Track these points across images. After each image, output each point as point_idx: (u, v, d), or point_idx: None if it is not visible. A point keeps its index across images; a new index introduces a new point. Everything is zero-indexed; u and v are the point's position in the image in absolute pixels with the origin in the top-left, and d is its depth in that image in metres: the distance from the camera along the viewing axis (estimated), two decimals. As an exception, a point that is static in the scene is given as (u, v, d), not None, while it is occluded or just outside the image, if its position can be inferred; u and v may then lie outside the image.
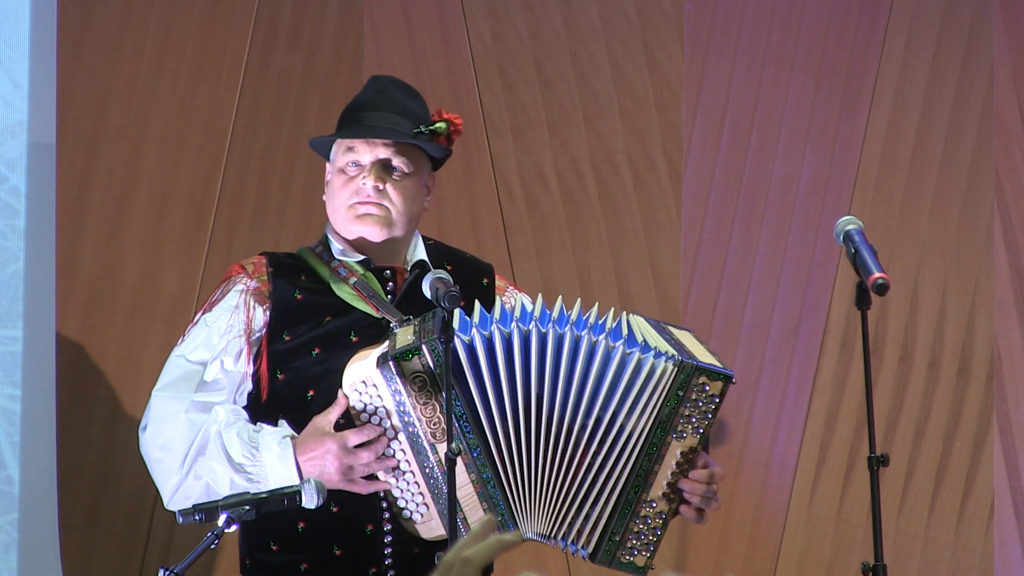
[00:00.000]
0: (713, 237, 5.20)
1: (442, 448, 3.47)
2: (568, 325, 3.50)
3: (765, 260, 5.20)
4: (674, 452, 3.51)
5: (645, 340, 3.53)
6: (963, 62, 5.18)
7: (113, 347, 4.85)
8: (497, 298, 3.81)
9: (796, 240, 5.19)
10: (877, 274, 3.54)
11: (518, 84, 5.23)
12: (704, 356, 3.56)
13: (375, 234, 3.71)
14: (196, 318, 3.76)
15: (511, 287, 3.91)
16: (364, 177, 3.69)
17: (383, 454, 3.54)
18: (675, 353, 3.50)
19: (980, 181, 5.17)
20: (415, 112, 3.74)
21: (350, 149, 3.72)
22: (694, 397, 3.49)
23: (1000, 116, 5.16)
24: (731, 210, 5.21)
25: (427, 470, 3.51)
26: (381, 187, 3.69)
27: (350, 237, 3.74)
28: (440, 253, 3.82)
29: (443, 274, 3.54)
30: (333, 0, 5.16)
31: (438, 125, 3.74)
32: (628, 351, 3.50)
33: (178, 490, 3.62)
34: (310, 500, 3.40)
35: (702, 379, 3.49)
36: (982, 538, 5.14)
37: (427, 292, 3.52)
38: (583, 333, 3.50)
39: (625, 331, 3.54)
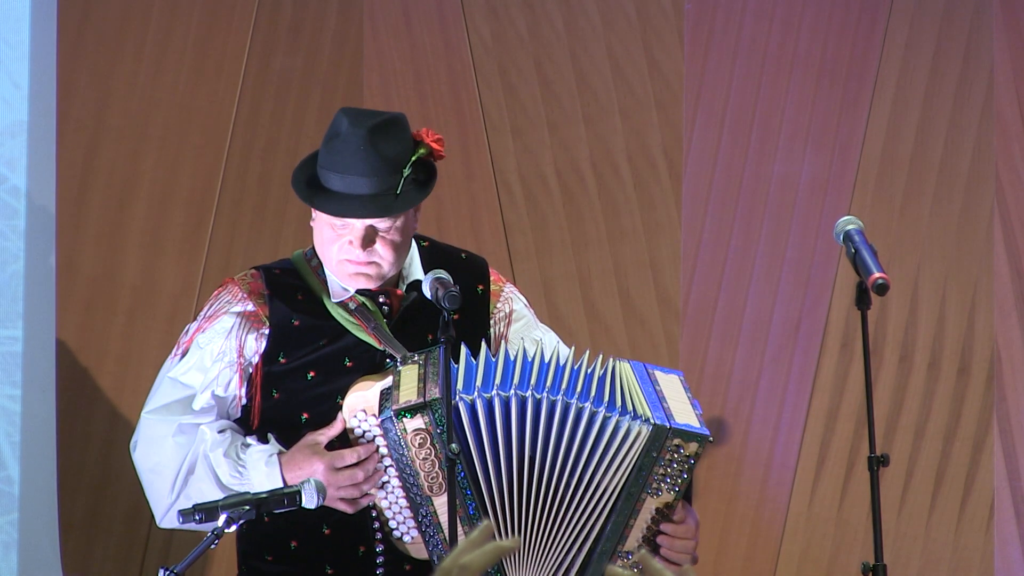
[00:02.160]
0: (713, 237, 5.20)
1: (439, 500, 3.48)
2: (560, 392, 3.50)
3: (765, 260, 5.20)
4: (649, 507, 3.52)
5: (624, 400, 3.54)
6: (963, 62, 5.18)
7: (113, 347, 4.86)
8: (491, 305, 3.80)
9: (796, 240, 5.19)
10: (877, 274, 3.54)
11: (518, 84, 5.23)
12: (683, 415, 3.55)
13: (368, 287, 3.68)
14: (190, 333, 3.72)
15: (507, 287, 3.87)
16: (352, 243, 3.63)
17: (373, 473, 3.54)
18: (649, 415, 3.50)
19: (980, 181, 5.17)
20: (396, 158, 3.63)
21: None
22: (668, 457, 3.50)
23: (1000, 116, 5.16)
24: (731, 210, 5.21)
25: (421, 516, 3.52)
26: (371, 248, 3.65)
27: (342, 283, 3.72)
28: (434, 258, 3.79)
29: (443, 274, 3.53)
30: (333, 0, 5.16)
31: (420, 152, 3.68)
32: (607, 414, 3.50)
33: (169, 511, 3.64)
34: (310, 500, 3.40)
35: (676, 440, 3.49)
36: (982, 538, 5.14)
37: (427, 293, 3.51)
38: (572, 401, 3.50)
39: (607, 388, 3.54)
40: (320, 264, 3.72)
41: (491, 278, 3.83)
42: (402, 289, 3.72)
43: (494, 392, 3.48)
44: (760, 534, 5.17)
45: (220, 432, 3.64)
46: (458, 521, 3.46)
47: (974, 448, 5.15)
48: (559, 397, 3.50)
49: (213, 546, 3.33)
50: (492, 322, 3.76)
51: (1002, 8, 5.17)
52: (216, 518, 3.34)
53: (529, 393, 3.49)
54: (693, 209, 5.21)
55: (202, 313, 3.74)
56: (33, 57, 4.47)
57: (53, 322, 4.56)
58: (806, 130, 5.21)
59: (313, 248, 3.76)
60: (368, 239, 3.62)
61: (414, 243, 3.78)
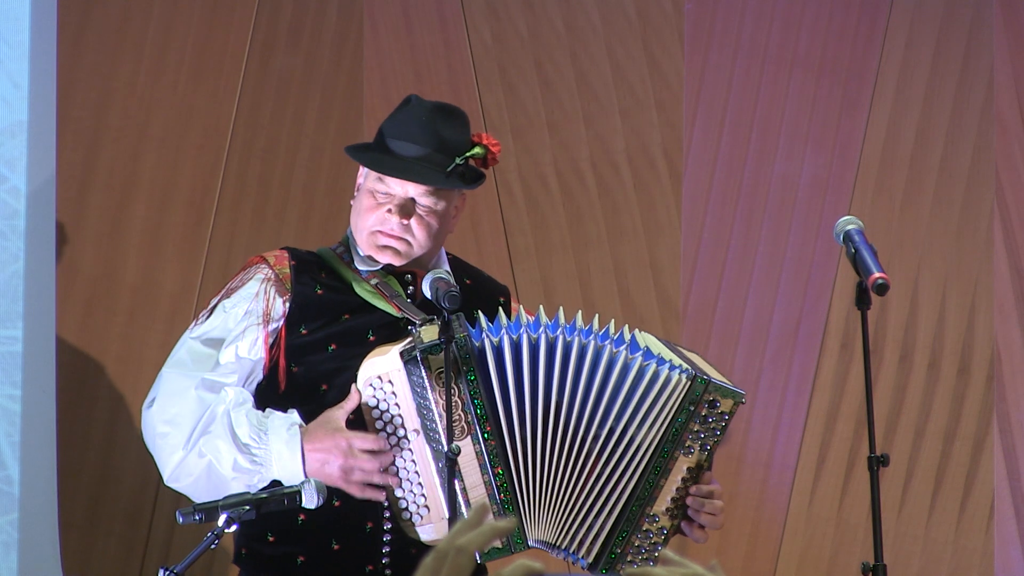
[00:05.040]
0: (713, 237, 5.20)
1: (460, 445, 3.48)
2: (592, 336, 3.51)
3: (765, 260, 5.20)
4: (680, 468, 3.50)
5: (660, 353, 3.54)
6: (963, 62, 5.18)
7: (113, 347, 4.86)
8: (512, 316, 3.82)
9: (796, 240, 5.19)
10: (877, 274, 3.54)
11: (518, 84, 5.23)
12: (715, 374, 3.56)
13: (395, 262, 3.70)
14: (212, 303, 3.73)
15: (525, 311, 3.91)
16: (390, 211, 3.67)
17: (387, 468, 3.55)
18: (688, 367, 3.51)
19: (980, 181, 5.17)
20: (454, 143, 3.68)
21: (381, 178, 3.70)
22: (704, 413, 3.49)
23: (1000, 116, 5.16)
24: (731, 210, 5.21)
25: (440, 464, 3.51)
26: (406, 222, 3.67)
27: (368, 256, 3.74)
28: (460, 269, 3.82)
29: (443, 274, 3.54)
30: (333, 0, 5.16)
31: (475, 151, 3.72)
32: (645, 362, 3.50)
33: (179, 465, 3.60)
34: (310, 500, 3.40)
35: (714, 396, 3.48)
36: (982, 538, 5.14)
37: (427, 292, 3.52)
38: (605, 343, 3.51)
39: (643, 344, 3.55)
40: (346, 250, 3.74)
41: (512, 298, 3.86)
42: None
43: (523, 331, 3.49)
44: (760, 534, 5.17)
45: (241, 395, 3.64)
46: (477, 469, 3.47)
47: (974, 448, 5.15)
48: (590, 340, 3.50)
49: (213, 546, 3.33)
50: (519, 311, 3.79)
51: (1002, 8, 5.17)
52: (216, 518, 3.34)
53: (559, 333, 3.49)
54: (693, 209, 5.21)
55: (228, 285, 3.75)
56: (33, 57, 4.47)
57: (53, 322, 4.55)
58: (806, 130, 5.21)
59: (340, 242, 3.77)
60: (406, 209, 3.65)
61: (444, 252, 3.80)
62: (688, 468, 3.50)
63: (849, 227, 3.71)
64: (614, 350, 3.50)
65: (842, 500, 5.16)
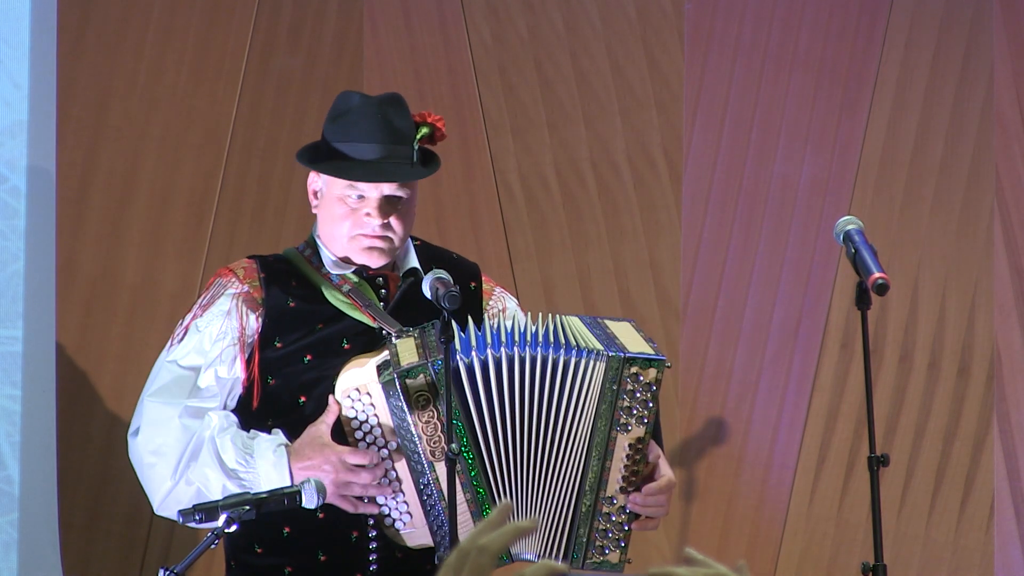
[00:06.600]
0: (713, 237, 5.20)
1: (440, 466, 3.48)
2: (527, 345, 3.54)
3: (765, 260, 5.19)
4: (622, 445, 3.53)
5: (577, 343, 3.54)
6: (963, 62, 5.18)
7: (113, 347, 4.85)
8: (483, 302, 3.82)
9: (796, 240, 5.19)
10: (877, 274, 3.54)
11: (518, 84, 5.23)
12: (636, 346, 3.56)
13: (381, 262, 3.70)
14: (186, 322, 3.73)
15: (498, 288, 3.90)
16: (369, 214, 3.66)
17: (380, 480, 3.55)
18: (602, 349, 3.52)
19: (980, 181, 5.17)
20: (406, 131, 3.70)
21: (351, 184, 3.69)
22: (630, 388, 3.51)
23: (1000, 116, 5.16)
24: (731, 210, 5.20)
25: (422, 486, 3.51)
26: (387, 221, 3.67)
27: (349, 258, 3.73)
28: (428, 255, 3.81)
29: (443, 274, 3.54)
30: (333, 0, 5.16)
31: (424, 131, 3.73)
32: (566, 357, 3.52)
33: (169, 495, 3.60)
34: (310, 500, 3.40)
35: (634, 369, 3.50)
36: (982, 538, 5.14)
37: (427, 292, 3.52)
38: (537, 351, 3.54)
39: (562, 338, 3.57)
40: (313, 253, 3.74)
41: (483, 279, 3.86)
42: (399, 276, 3.74)
43: (487, 351, 3.52)
44: (760, 534, 5.17)
45: (226, 420, 3.64)
46: (459, 487, 3.48)
47: (974, 448, 5.15)
48: (527, 350, 3.53)
49: (213, 546, 3.33)
50: (486, 318, 3.77)
51: (1002, 8, 5.17)
52: (216, 518, 3.34)
53: (515, 350, 3.53)
54: (693, 209, 5.21)
55: (197, 302, 3.75)
56: (33, 57, 4.47)
57: (53, 322, 4.55)
58: (806, 130, 5.21)
59: (306, 242, 3.77)
60: (385, 209, 3.65)
61: (410, 241, 3.80)
62: (629, 444, 3.53)
63: (849, 227, 3.72)
64: (553, 356, 3.52)
65: (842, 500, 5.16)
